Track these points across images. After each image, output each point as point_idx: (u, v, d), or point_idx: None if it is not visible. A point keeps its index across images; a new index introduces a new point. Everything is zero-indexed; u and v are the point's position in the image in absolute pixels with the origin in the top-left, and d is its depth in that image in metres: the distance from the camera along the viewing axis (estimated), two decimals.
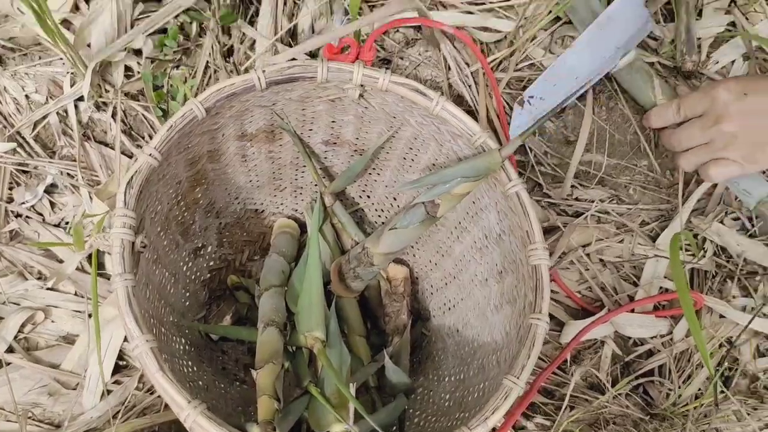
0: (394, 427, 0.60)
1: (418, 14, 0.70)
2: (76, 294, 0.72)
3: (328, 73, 0.60)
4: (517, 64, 0.79)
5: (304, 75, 0.59)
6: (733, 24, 0.88)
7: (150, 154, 0.52)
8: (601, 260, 0.85)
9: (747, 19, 0.88)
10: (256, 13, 0.75)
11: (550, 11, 0.76)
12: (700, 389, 0.78)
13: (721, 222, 0.86)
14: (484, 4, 0.77)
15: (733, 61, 0.87)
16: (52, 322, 0.72)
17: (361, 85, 0.61)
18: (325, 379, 0.55)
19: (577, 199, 0.85)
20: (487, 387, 0.59)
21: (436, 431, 0.59)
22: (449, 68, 0.78)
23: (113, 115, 0.75)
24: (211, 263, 0.73)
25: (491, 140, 0.61)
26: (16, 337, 0.70)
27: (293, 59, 0.69)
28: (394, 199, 0.77)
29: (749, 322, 0.77)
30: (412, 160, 0.71)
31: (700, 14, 0.89)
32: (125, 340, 0.70)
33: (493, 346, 0.64)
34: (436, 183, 0.60)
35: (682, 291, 0.66)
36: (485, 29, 0.78)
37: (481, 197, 0.66)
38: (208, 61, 0.73)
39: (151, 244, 0.58)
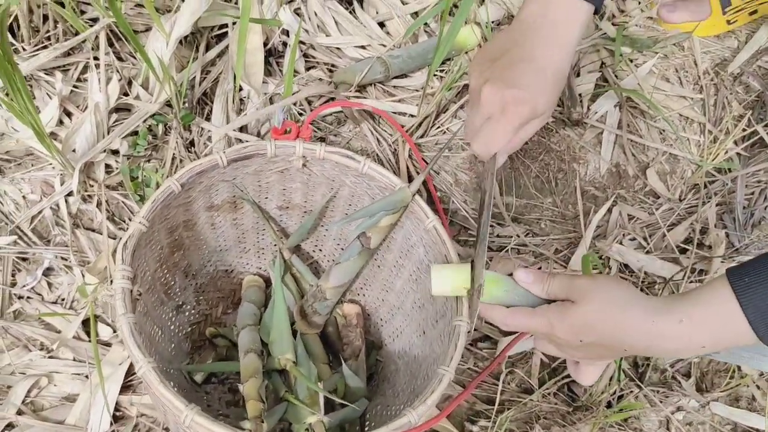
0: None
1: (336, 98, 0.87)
2: (74, 359, 0.84)
3: (275, 149, 0.76)
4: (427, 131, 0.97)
5: (257, 152, 0.75)
6: (605, 80, 1.08)
7: (140, 222, 0.66)
8: None
9: (616, 76, 1.09)
10: (211, 111, 0.92)
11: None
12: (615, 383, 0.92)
13: (620, 243, 1.03)
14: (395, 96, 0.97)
15: (607, 112, 1.06)
16: (55, 385, 0.83)
17: (303, 156, 0.77)
18: (298, 388, 0.67)
19: (498, 236, 1.01)
20: None
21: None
22: (378, 141, 0.95)
23: (98, 205, 0.89)
24: (191, 318, 0.85)
25: (406, 186, 0.77)
26: (24, 401, 0.80)
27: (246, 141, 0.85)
28: (342, 249, 0.92)
29: None
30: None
31: (578, 74, 1.09)
32: (121, 392, 0.82)
33: (433, 356, 0.77)
34: (363, 217, 0.75)
35: None
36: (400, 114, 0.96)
37: (410, 236, 0.81)
38: (174, 154, 0.89)
39: (141, 298, 0.71)
